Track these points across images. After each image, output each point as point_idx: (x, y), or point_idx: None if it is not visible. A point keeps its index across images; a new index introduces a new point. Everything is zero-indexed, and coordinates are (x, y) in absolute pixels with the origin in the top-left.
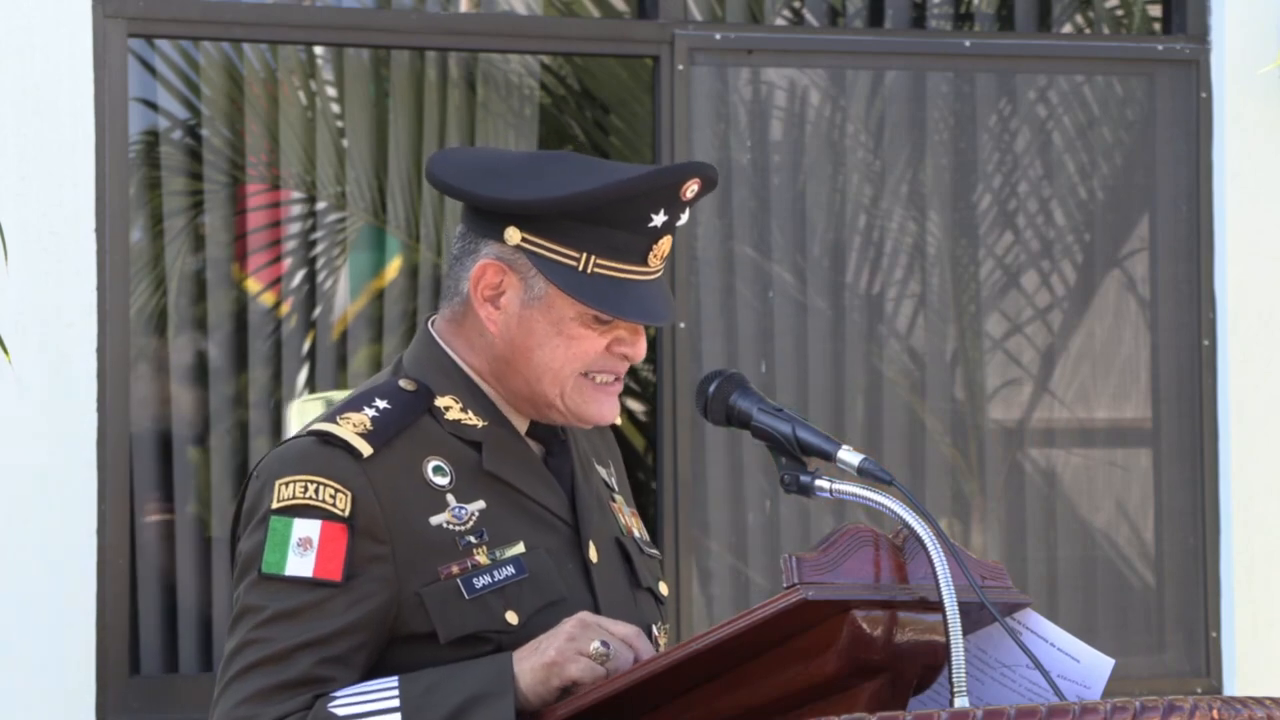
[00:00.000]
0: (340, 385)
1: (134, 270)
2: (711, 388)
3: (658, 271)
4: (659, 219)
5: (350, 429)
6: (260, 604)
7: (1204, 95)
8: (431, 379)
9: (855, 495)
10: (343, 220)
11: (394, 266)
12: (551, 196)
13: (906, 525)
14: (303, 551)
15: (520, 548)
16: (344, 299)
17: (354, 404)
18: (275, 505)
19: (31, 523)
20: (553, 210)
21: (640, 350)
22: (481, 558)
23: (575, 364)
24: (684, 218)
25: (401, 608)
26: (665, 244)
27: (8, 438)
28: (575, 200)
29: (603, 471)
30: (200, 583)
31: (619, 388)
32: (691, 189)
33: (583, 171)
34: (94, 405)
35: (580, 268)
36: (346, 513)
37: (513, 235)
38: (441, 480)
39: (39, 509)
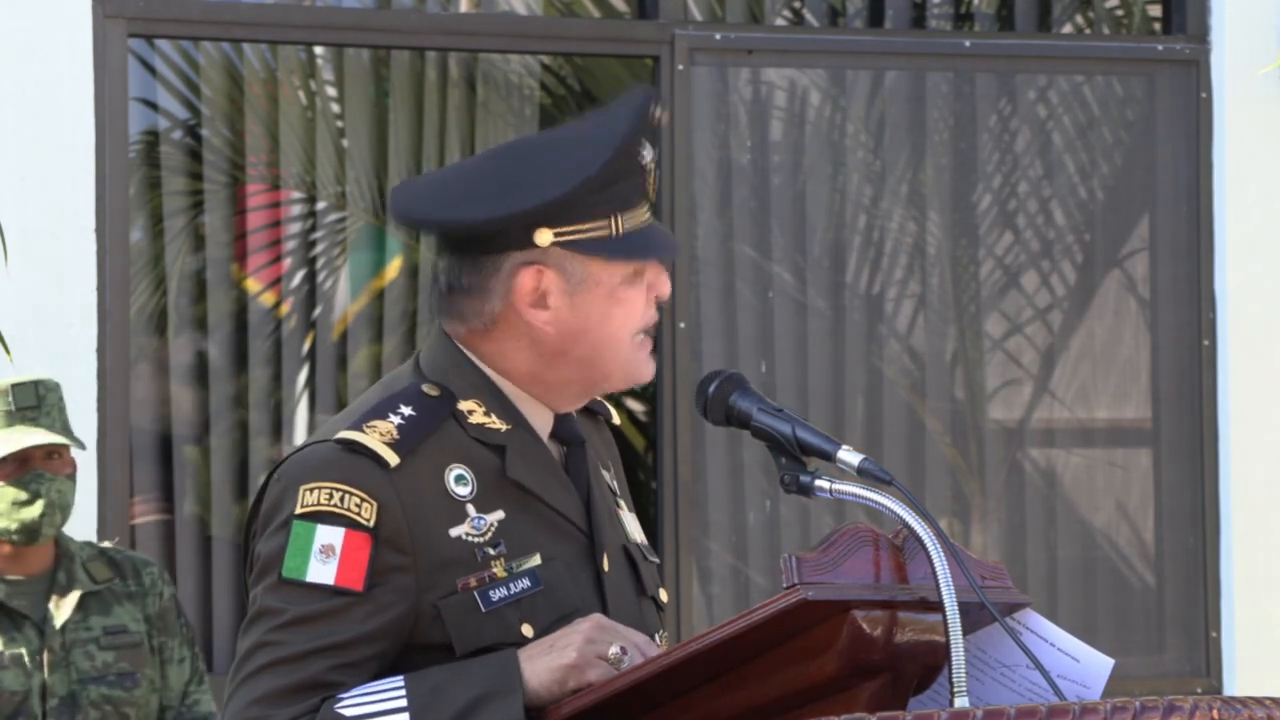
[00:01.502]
0: (341, 386)
1: (134, 270)
2: (711, 388)
3: (650, 206)
4: (647, 154)
5: (377, 438)
6: (279, 607)
7: (1204, 95)
8: (453, 383)
9: (855, 495)
10: (343, 220)
11: (394, 266)
12: (583, 178)
13: (906, 525)
14: (325, 559)
15: (537, 559)
16: (344, 299)
17: (379, 410)
18: (299, 510)
19: None
20: (587, 189)
21: (668, 284)
22: (498, 570)
23: (632, 327)
24: (656, 148)
25: (419, 619)
26: (653, 176)
27: None
28: (603, 173)
29: (606, 475)
30: (200, 582)
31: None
32: (659, 111)
33: (563, 148)
34: (94, 405)
35: (612, 232)
36: (371, 523)
37: (544, 236)
38: (463, 490)
39: None
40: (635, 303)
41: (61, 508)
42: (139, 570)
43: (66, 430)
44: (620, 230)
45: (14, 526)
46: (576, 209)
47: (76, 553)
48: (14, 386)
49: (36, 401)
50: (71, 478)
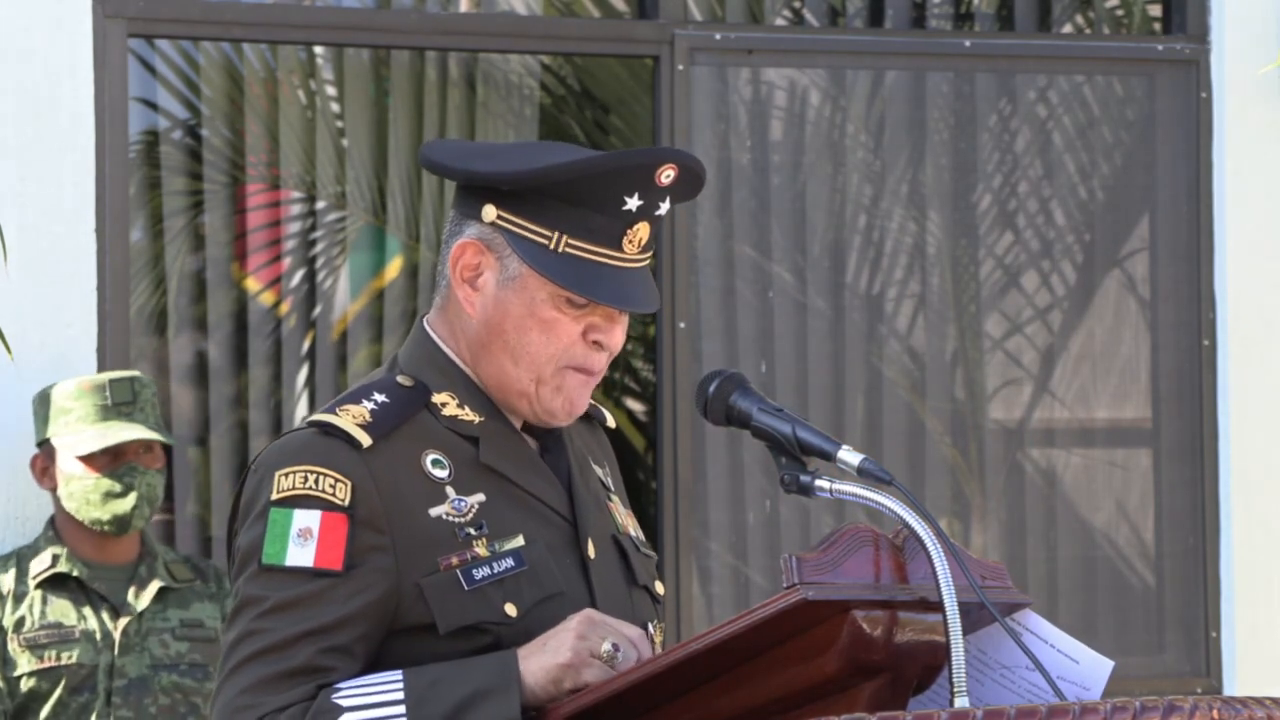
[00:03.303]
0: (341, 386)
1: (134, 270)
2: (711, 388)
3: (637, 260)
4: (633, 203)
5: (350, 420)
6: (261, 595)
7: (1204, 95)
8: (428, 376)
9: (855, 495)
10: (343, 220)
11: (394, 266)
12: (523, 169)
13: (906, 525)
14: (303, 542)
15: (519, 540)
16: (344, 299)
17: (353, 397)
18: (275, 496)
19: (33, 524)
20: (524, 183)
21: (616, 339)
22: (481, 550)
23: (553, 353)
24: (663, 207)
25: (401, 599)
26: (642, 230)
27: (8, 438)
28: (546, 174)
29: (599, 471)
30: None
31: (592, 383)
32: (667, 174)
33: (565, 153)
34: None
35: (551, 246)
36: (347, 502)
37: (489, 212)
38: (440, 473)
39: (41, 510)
40: (558, 328)
41: (151, 501)
42: (220, 577)
43: (159, 426)
44: (560, 248)
45: (106, 517)
46: (525, 203)
47: (161, 553)
48: (111, 382)
49: (132, 397)
50: (161, 472)
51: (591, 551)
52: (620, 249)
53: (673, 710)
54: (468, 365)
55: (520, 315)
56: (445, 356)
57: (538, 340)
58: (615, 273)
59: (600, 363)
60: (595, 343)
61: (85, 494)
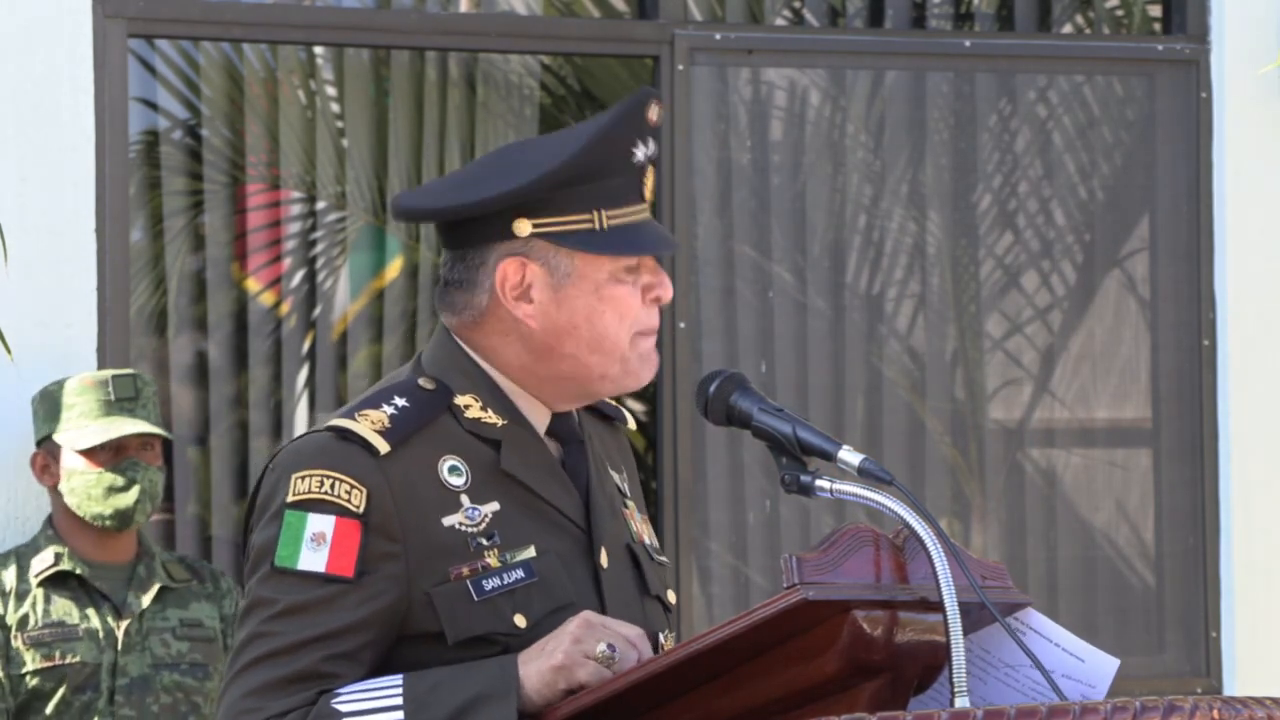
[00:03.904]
0: (341, 386)
1: (134, 270)
2: (712, 388)
3: (648, 208)
4: (639, 151)
5: (368, 426)
6: (271, 597)
7: (1204, 95)
8: (451, 378)
9: (855, 495)
10: (343, 220)
11: (394, 266)
12: (550, 168)
13: (907, 525)
14: (316, 546)
15: (531, 551)
16: (344, 299)
17: (373, 401)
18: (290, 499)
19: (33, 524)
20: (554, 181)
21: (669, 288)
22: (492, 560)
23: (627, 327)
24: (655, 148)
25: (411, 607)
26: (650, 177)
27: (9, 438)
28: (573, 163)
29: (616, 477)
30: None
31: (655, 338)
32: (654, 110)
33: (549, 145)
34: None
35: (596, 227)
36: (361, 509)
37: (523, 226)
38: (457, 480)
39: (41, 510)
40: (626, 301)
41: (153, 497)
42: (216, 577)
43: (161, 423)
44: (605, 225)
45: (108, 511)
46: (555, 201)
47: (157, 553)
48: (114, 378)
49: (135, 393)
50: (161, 470)
51: (604, 561)
52: (643, 199)
53: (673, 710)
54: (508, 373)
55: (590, 305)
56: (470, 360)
57: (612, 322)
58: (647, 226)
59: (658, 319)
60: (653, 300)
61: (88, 489)
